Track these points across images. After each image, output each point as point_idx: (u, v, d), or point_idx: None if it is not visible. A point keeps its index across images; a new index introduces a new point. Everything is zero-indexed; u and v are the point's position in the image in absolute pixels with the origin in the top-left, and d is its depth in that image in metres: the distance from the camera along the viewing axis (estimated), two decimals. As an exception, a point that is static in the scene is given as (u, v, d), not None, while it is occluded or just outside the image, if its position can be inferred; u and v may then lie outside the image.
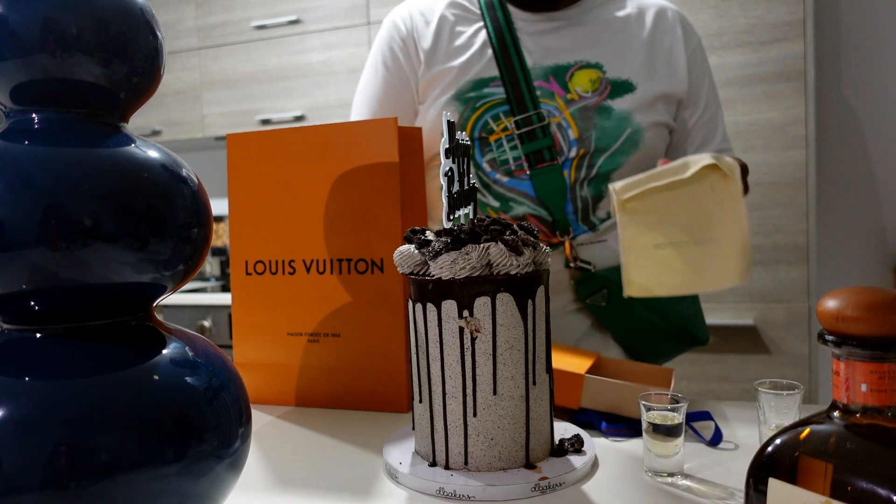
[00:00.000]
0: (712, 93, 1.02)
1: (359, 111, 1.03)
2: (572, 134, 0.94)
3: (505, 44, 0.95)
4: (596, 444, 0.64)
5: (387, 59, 1.01)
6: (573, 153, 0.94)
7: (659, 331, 0.96)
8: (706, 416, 0.67)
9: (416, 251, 0.60)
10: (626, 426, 0.68)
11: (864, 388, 0.35)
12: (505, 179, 0.94)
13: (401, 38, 1.01)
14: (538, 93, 0.94)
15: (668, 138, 1.00)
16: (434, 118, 0.97)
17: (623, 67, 0.96)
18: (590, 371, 0.75)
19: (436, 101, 0.98)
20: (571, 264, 0.94)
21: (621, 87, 0.96)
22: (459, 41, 0.98)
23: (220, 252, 3.05)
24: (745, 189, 0.86)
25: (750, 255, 0.63)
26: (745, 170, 0.86)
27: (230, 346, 0.88)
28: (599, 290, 0.94)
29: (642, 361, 0.98)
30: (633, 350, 0.98)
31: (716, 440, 0.65)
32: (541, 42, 0.97)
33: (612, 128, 0.94)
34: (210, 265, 3.02)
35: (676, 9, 1.02)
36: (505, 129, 0.94)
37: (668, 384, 0.75)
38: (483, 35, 0.98)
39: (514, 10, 0.99)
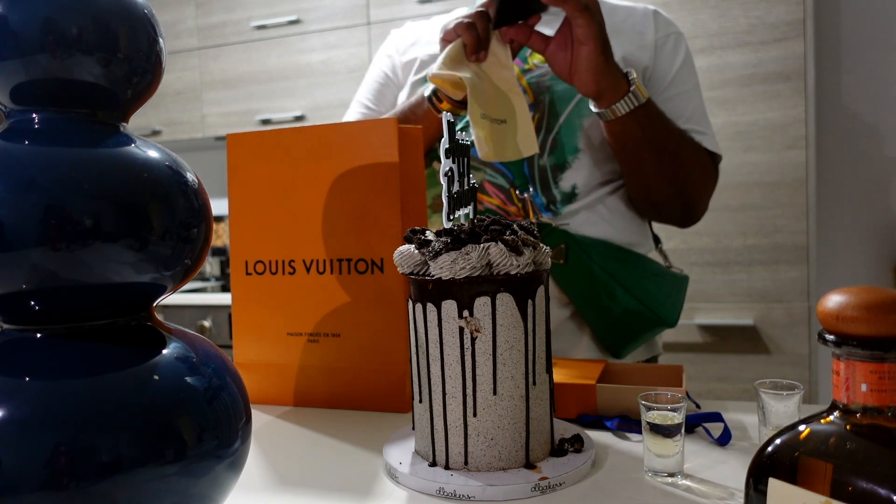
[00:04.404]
0: (685, 75, 1.02)
1: (360, 94, 1.18)
2: (528, 99, 0.98)
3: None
4: (596, 444, 0.64)
5: (382, 63, 1.16)
6: (529, 116, 0.97)
7: (629, 311, 0.96)
8: (717, 417, 0.67)
9: (416, 251, 0.60)
10: (637, 423, 0.68)
11: (864, 388, 0.35)
12: None
13: (394, 47, 1.15)
14: None
15: None
16: (406, 97, 1.07)
17: None
18: (600, 379, 0.75)
19: (410, 82, 1.08)
20: (532, 220, 0.96)
21: None
22: (438, 37, 1.07)
23: (220, 252, 3.06)
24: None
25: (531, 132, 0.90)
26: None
27: (230, 346, 0.88)
28: (557, 245, 0.96)
29: (614, 350, 0.98)
30: (605, 337, 0.98)
31: (724, 440, 0.65)
32: None
33: (564, 90, 0.97)
34: (210, 265, 3.02)
35: (653, 7, 1.04)
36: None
37: (678, 383, 0.75)
38: None
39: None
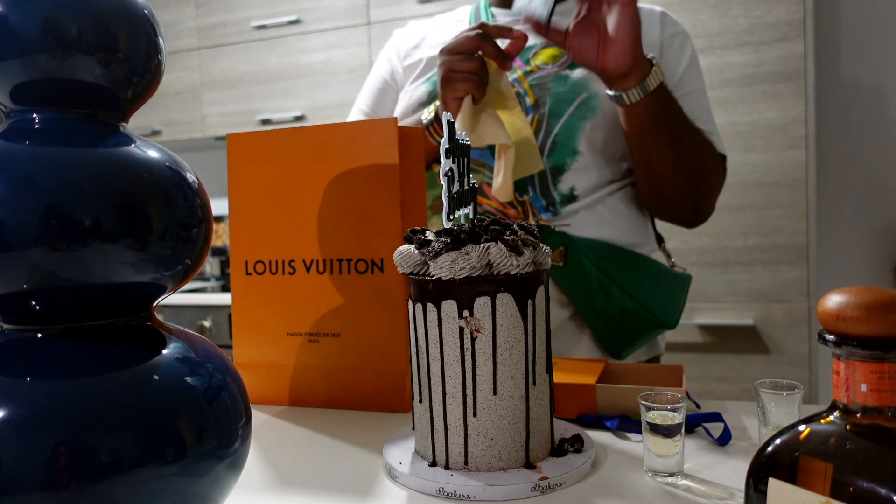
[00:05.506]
0: (691, 76, 1.01)
1: (360, 100, 1.19)
2: (529, 101, 0.98)
3: None
4: (596, 444, 0.64)
5: (381, 68, 1.16)
6: (529, 118, 0.97)
7: (628, 313, 0.96)
8: (717, 417, 0.67)
9: (416, 251, 0.60)
10: (637, 423, 0.68)
11: (864, 388, 0.35)
12: None
13: (395, 50, 1.15)
14: None
15: None
16: (407, 99, 1.07)
17: None
18: (600, 379, 0.75)
19: (411, 86, 1.08)
20: (532, 222, 0.95)
21: None
22: (442, 38, 1.07)
23: (220, 252, 3.06)
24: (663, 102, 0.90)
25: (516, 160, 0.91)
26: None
27: (230, 346, 0.88)
28: (556, 248, 0.96)
29: (614, 351, 0.98)
30: (605, 338, 0.98)
31: (724, 440, 0.65)
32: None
33: (566, 92, 0.97)
34: (210, 265, 3.02)
35: (660, 9, 1.03)
36: None
37: (678, 383, 0.75)
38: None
39: (498, 13, 1.07)
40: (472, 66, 0.87)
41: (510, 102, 0.92)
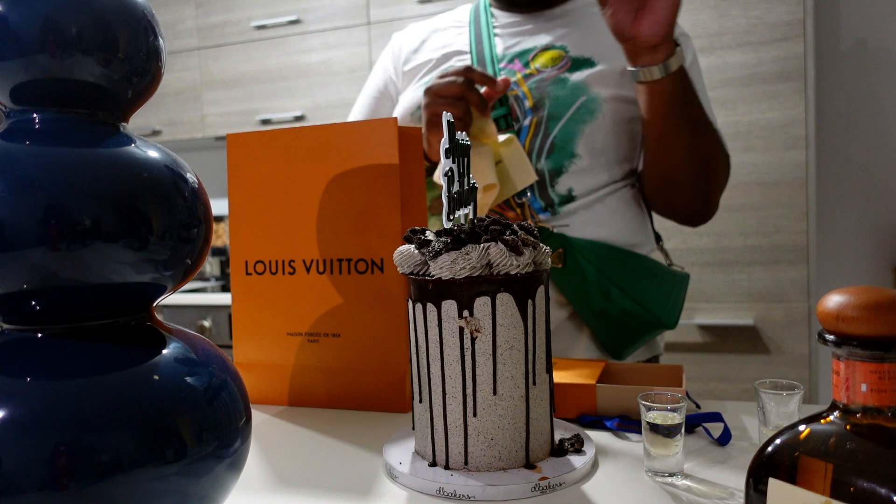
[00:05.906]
0: (693, 76, 1.01)
1: (356, 108, 1.20)
2: (528, 103, 0.99)
3: (481, 39, 1.04)
4: (596, 444, 0.64)
5: (376, 78, 1.17)
6: (528, 121, 0.98)
7: (627, 313, 0.96)
8: (717, 417, 0.67)
9: (416, 251, 0.60)
10: (637, 423, 0.69)
11: (864, 388, 0.35)
12: None
13: (392, 56, 1.15)
14: (501, 74, 1.00)
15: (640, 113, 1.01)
16: (407, 101, 1.07)
17: (587, 48, 1.00)
18: (600, 379, 0.75)
19: (412, 87, 1.08)
20: (532, 223, 0.96)
21: (582, 63, 0.99)
22: (442, 42, 1.09)
23: (220, 252, 3.06)
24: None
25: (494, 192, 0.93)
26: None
27: (230, 346, 0.88)
28: (556, 250, 0.96)
29: (613, 351, 0.98)
30: (604, 339, 0.98)
31: (724, 440, 0.65)
32: (515, 35, 1.04)
33: (565, 96, 0.97)
34: (210, 265, 3.02)
35: None
36: None
37: (678, 383, 0.75)
38: (465, 35, 1.07)
39: (499, 14, 1.08)
40: (456, 112, 0.90)
41: (493, 138, 0.94)
